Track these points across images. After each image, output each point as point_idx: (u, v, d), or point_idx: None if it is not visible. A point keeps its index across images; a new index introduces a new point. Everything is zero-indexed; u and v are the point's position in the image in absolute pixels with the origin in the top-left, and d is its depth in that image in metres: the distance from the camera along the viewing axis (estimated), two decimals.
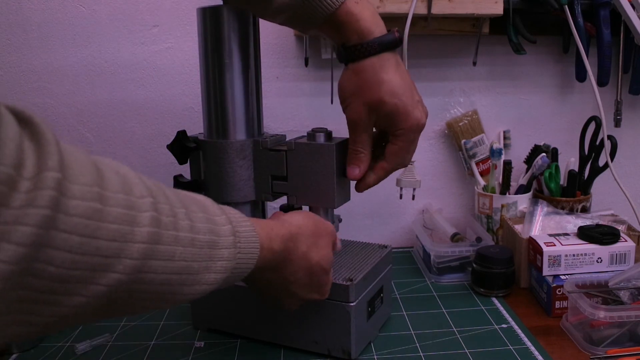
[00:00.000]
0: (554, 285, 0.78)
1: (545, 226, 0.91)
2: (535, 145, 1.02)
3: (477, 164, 1.04)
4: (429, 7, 0.90)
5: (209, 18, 0.68)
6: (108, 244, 0.34)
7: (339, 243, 0.66)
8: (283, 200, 0.71)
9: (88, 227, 0.33)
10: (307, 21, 0.63)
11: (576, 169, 1.00)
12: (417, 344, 0.72)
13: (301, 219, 0.59)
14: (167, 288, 0.41)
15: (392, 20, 0.96)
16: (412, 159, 0.92)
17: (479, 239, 0.93)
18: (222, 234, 0.45)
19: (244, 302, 0.71)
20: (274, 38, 1.00)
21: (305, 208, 0.73)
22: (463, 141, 1.03)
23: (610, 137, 0.97)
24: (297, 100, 1.03)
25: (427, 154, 1.07)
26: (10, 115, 0.31)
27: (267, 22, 0.65)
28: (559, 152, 1.03)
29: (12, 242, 0.29)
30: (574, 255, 0.80)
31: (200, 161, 0.72)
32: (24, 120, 0.32)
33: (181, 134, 0.71)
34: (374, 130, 0.66)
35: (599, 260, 0.81)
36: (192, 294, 0.43)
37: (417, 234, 0.99)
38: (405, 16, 0.89)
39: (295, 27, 0.66)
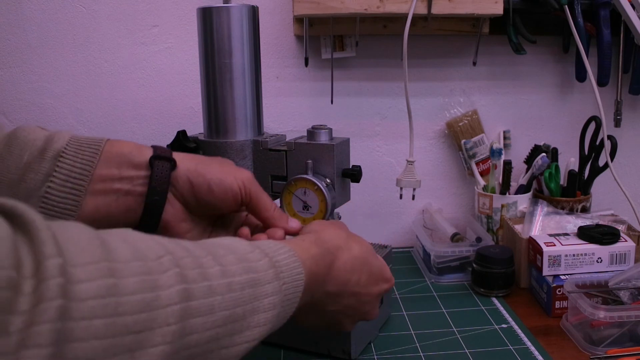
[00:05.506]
0: (554, 285, 0.78)
1: (545, 226, 0.90)
2: (535, 145, 1.02)
3: (477, 164, 1.04)
4: (429, 7, 0.90)
5: (209, 18, 0.68)
6: (135, 317, 0.31)
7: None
8: None
9: (107, 306, 0.30)
10: None
11: (576, 169, 1.00)
12: (417, 344, 0.72)
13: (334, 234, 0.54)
14: (217, 343, 0.37)
15: (392, 20, 0.97)
16: (412, 159, 0.93)
17: (479, 239, 0.93)
18: (260, 270, 0.42)
19: None
20: (274, 38, 1.00)
21: None
22: (463, 141, 1.03)
23: (610, 137, 0.97)
24: (297, 100, 1.03)
25: (427, 154, 1.07)
26: None
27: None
28: (559, 152, 1.03)
29: (31, 346, 0.27)
30: (574, 255, 0.80)
31: None
32: (7, 213, 0.30)
33: (181, 134, 0.71)
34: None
35: (599, 260, 0.80)
36: (246, 341, 0.40)
37: (417, 234, 0.99)
38: (405, 16, 0.89)
39: None
